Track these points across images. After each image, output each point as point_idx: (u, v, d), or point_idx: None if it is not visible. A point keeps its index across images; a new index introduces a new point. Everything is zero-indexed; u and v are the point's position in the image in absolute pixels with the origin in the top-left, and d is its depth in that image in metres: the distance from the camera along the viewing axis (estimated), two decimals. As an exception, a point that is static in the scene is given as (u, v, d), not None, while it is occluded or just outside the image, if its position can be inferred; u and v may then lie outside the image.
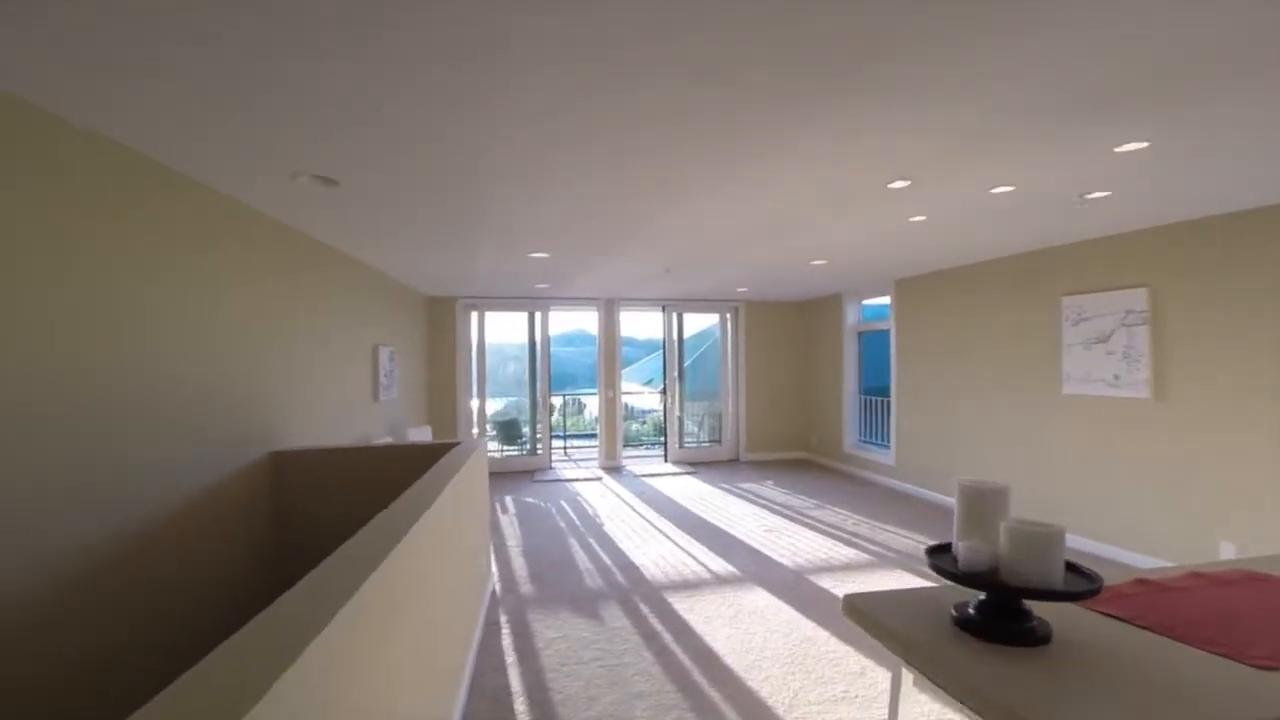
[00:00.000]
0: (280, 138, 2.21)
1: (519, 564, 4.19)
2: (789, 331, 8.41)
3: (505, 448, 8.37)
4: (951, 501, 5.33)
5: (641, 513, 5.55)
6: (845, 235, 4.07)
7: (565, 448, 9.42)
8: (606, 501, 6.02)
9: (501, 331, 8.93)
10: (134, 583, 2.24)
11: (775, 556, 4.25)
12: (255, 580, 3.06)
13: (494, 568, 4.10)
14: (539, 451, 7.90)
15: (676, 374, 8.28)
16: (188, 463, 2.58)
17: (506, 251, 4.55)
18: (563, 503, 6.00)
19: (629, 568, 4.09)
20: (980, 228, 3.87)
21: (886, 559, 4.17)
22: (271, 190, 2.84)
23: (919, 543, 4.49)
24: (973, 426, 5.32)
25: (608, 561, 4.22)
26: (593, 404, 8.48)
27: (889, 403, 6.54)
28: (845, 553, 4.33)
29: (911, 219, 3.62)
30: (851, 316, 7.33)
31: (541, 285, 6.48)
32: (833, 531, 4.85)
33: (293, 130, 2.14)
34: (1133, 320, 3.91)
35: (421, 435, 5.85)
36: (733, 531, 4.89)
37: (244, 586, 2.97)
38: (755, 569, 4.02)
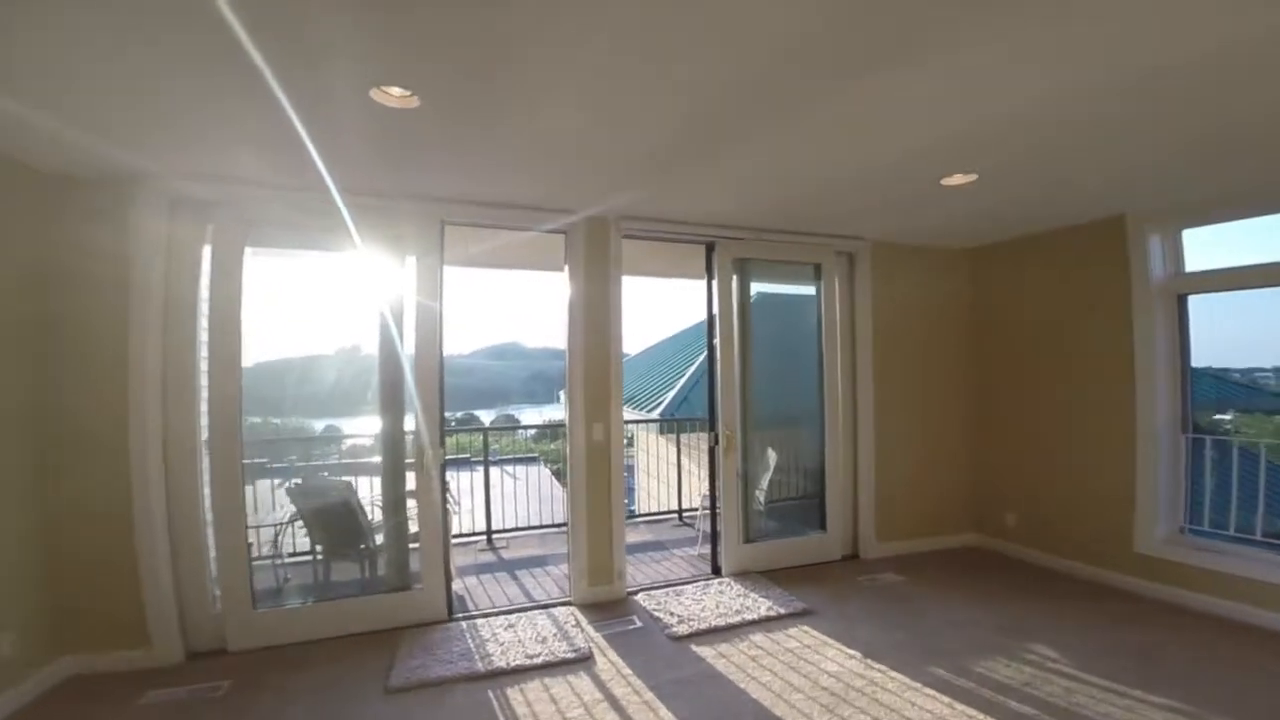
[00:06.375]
0: None
1: None
2: (959, 303, 4.26)
3: (319, 569, 3.18)
4: None
5: None
6: None
7: (490, 533, 4.59)
8: None
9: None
10: None
11: None
12: None
13: None
14: (416, 583, 3.04)
15: (738, 387, 3.73)
16: None
17: None
18: None
19: None
20: None
21: None
22: None
23: None
24: None
25: None
26: (539, 428, 4.02)
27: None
28: None
29: None
30: (1160, 265, 3.25)
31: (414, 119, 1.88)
32: None
33: None
34: None
35: None
36: None
37: None
38: None
